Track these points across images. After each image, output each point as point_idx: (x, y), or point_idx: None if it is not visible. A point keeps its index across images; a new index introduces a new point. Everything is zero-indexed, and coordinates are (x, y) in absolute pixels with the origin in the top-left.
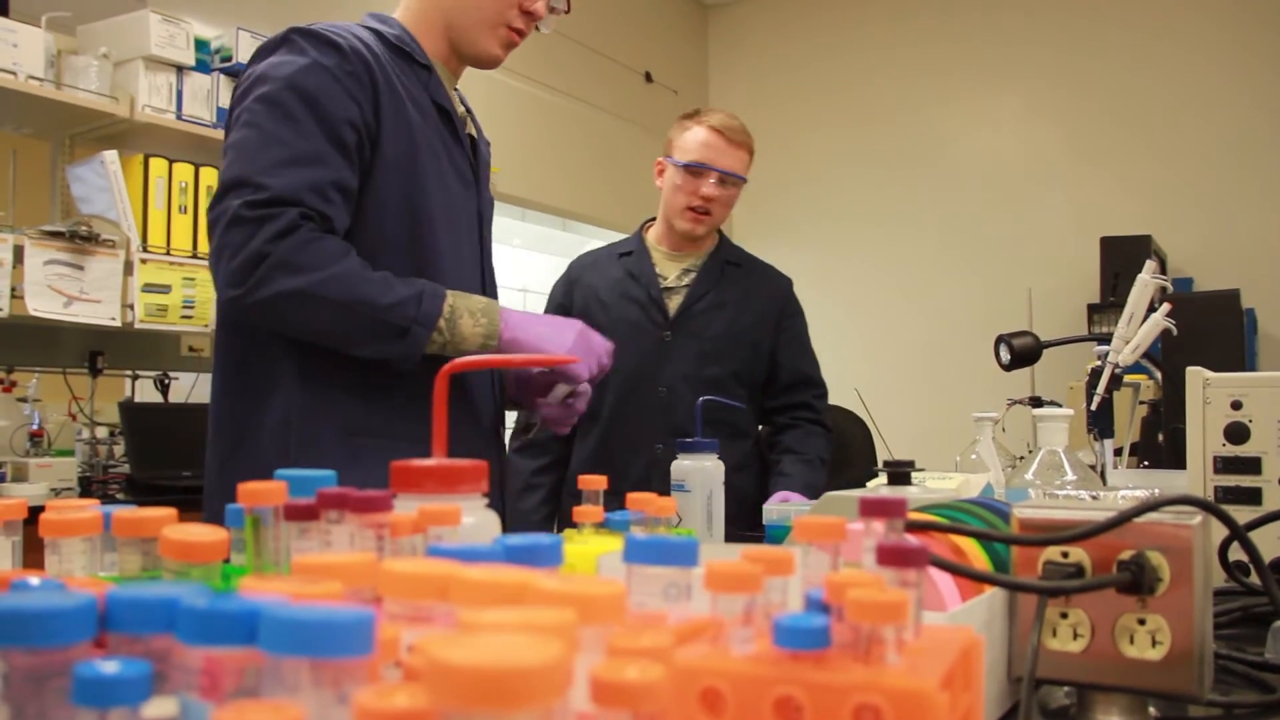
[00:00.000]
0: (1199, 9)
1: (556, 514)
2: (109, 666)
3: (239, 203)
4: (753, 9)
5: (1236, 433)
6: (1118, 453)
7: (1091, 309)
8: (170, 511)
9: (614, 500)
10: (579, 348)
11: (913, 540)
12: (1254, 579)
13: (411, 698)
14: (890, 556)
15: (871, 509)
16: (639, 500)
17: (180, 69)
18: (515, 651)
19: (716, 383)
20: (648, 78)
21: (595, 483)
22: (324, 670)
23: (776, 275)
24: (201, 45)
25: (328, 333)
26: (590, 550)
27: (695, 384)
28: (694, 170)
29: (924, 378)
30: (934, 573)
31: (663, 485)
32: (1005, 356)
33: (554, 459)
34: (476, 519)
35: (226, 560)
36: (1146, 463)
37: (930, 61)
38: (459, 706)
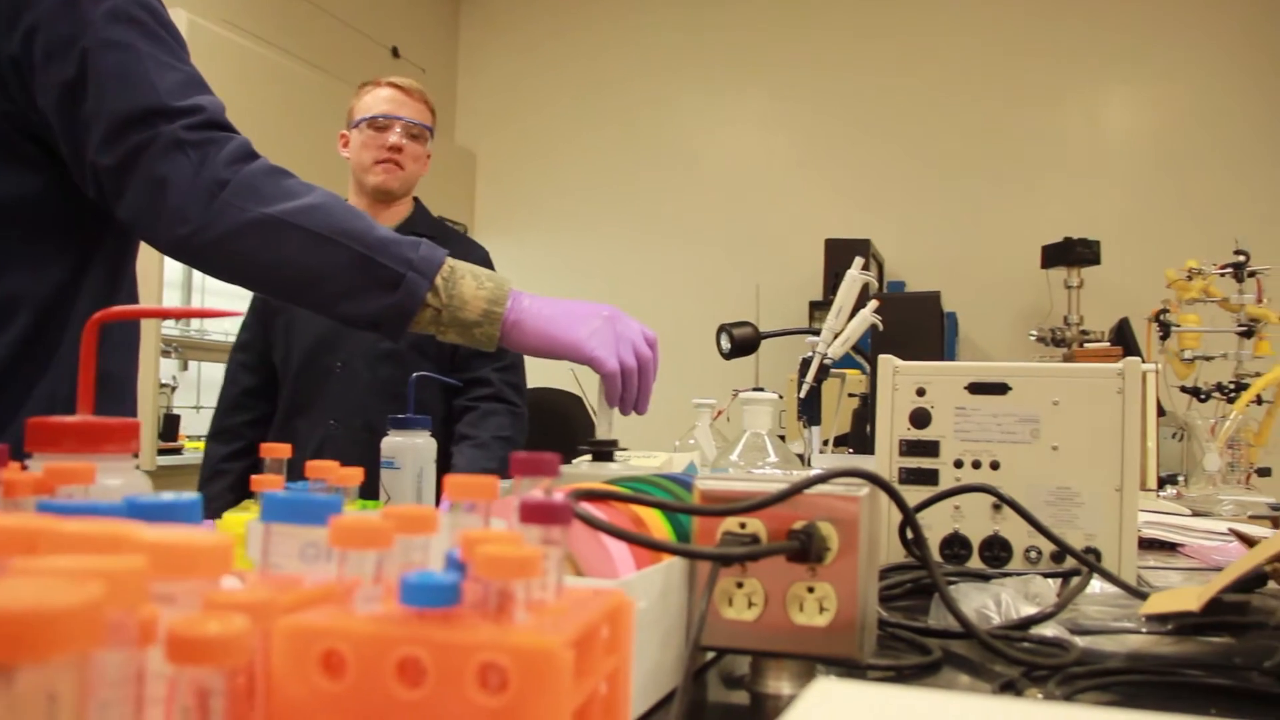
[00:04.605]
0: (915, 34)
1: (243, 500)
2: None
3: (175, 126)
4: None
5: (919, 417)
6: (825, 441)
7: (814, 305)
8: None
9: (296, 477)
10: (600, 336)
11: (558, 497)
12: None
13: None
14: (532, 513)
15: (521, 467)
16: (319, 469)
17: None
18: (37, 595)
19: (394, 356)
20: (395, 53)
21: (278, 450)
22: None
23: (471, 245)
24: None
25: (299, 277)
26: (254, 518)
27: (371, 359)
28: (379, 123)
29: None
30: (609, 542)
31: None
32: (725, 345)
33: (245, 445)
34: (124, 481)
35: None
36: (851, 450)
37: (675, 62)
38: None
